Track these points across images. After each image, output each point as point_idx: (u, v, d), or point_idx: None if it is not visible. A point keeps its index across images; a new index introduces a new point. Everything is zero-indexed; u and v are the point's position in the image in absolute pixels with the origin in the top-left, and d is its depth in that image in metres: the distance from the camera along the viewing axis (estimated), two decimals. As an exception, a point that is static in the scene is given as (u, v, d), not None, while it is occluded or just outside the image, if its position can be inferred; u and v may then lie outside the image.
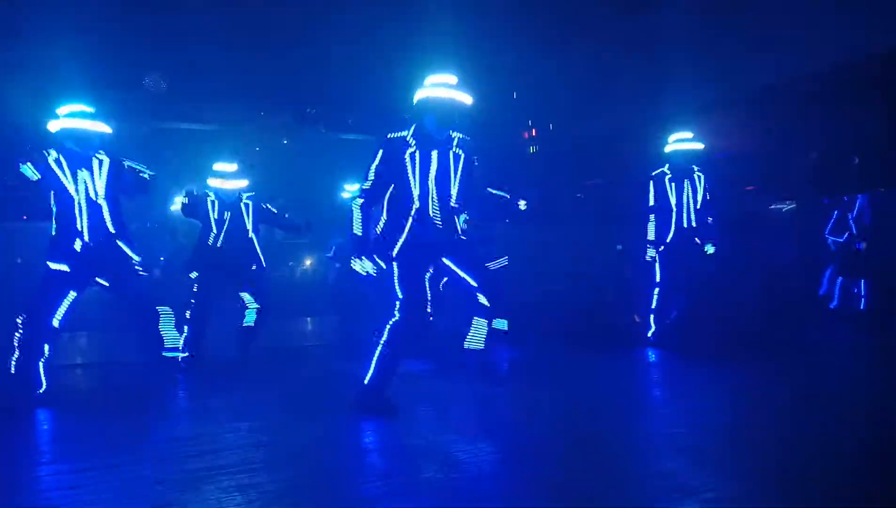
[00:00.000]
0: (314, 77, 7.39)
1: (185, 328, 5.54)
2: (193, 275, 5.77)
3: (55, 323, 4.29)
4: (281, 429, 3.71)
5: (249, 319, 5.92)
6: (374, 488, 2.81)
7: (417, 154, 4.02)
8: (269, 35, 6.86)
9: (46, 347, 4.28)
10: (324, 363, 6.13)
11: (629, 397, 4.54)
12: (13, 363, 4.20)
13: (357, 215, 4.07)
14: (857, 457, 3.05)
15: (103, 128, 4.43)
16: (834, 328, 7.50)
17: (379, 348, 3.96)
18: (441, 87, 4.03)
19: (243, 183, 5.91)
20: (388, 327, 3.97)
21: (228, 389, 4.78)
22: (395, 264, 4.04)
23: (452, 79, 4.08)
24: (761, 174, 8.44)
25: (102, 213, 4.43)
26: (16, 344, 4.21)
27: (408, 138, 4.06)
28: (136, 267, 4.53)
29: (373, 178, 4.08)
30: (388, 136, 4.09)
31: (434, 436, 3.51)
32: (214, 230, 5.78)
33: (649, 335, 6.28)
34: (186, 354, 5.33)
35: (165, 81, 7.98)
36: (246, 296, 5.94)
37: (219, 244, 5.76)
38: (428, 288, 4.47)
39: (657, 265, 6.28)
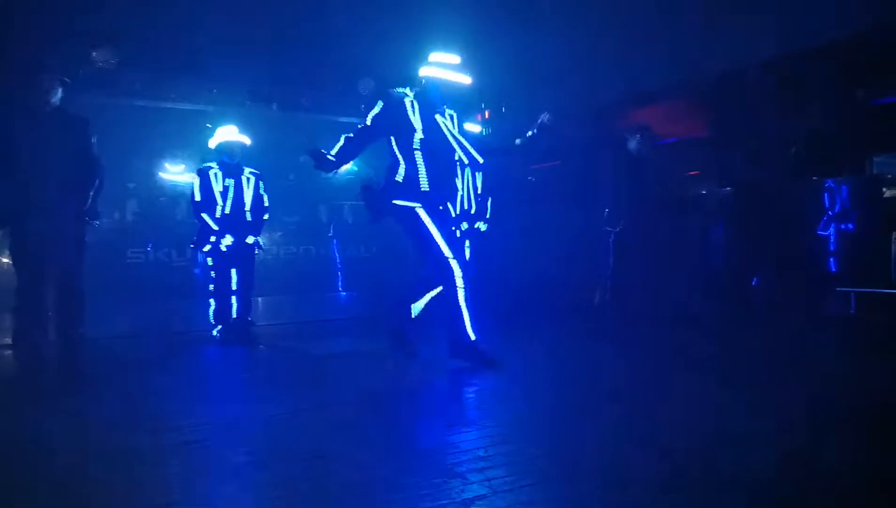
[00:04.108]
0: (268, 55, 7.37)
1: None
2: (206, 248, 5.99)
3: None
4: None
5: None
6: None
7: (417, 105, 4.33)
8: (226, 11, 6.81)
9: None
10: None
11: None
12: None
13: (341, 143, 4.37)
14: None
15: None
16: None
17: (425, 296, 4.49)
18: (444, 67, 4.45)
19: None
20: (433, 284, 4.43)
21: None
22: (422, 213, 4.38)
23: (455, 59, 4.46)
24: (704, 160, 8.73)
25: None
26: None
27: (406, 91, 4.42)
28: None
29: (369, 124, 4.39)
30: (389, 90, 4.44)
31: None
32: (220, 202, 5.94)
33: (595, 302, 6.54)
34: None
35: (116, 56, 7.82)
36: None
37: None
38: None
39: (611, 248, 6.52)
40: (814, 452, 2.78)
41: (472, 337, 4.49)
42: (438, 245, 4.38)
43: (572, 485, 2.49)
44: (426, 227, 4.38)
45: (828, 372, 4.34)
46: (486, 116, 10.87)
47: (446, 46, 4.59)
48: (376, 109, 4.40)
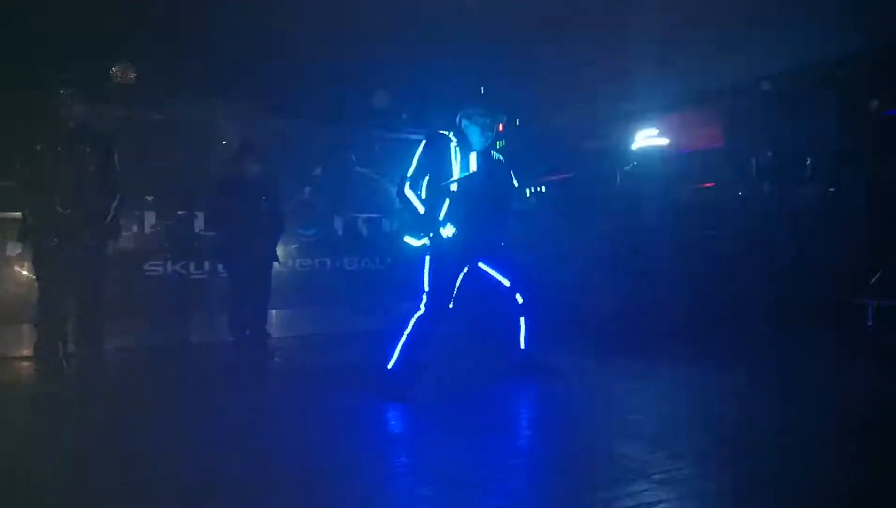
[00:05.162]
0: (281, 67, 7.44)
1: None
2: None
3: None
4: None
5: None
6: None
7: (459, 151, 4.29)
8: (236, 24, 6.89)
9: None
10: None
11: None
12: None
13: (411, 196, 4.30)
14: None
15: None
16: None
17: (403, 337, 4.22)
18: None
19: None
20: (413, 319, 4.23)
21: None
22: (427, 257, 4.23)
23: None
24: (721, 171, 8.68)
25: None
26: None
27: (450, 137, 4.35)
28: None
29: (415, 167, 4.34)
30: (435, 132, 4.42)
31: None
32: None
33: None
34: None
35: (135, 71, 7.93)
36: None
37: None
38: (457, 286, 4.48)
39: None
40: None
41: (389, 366, 4.28)
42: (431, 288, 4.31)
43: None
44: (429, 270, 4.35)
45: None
46: (501, 129, 10.86)
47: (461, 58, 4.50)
48: (420, 150, 4.37)
